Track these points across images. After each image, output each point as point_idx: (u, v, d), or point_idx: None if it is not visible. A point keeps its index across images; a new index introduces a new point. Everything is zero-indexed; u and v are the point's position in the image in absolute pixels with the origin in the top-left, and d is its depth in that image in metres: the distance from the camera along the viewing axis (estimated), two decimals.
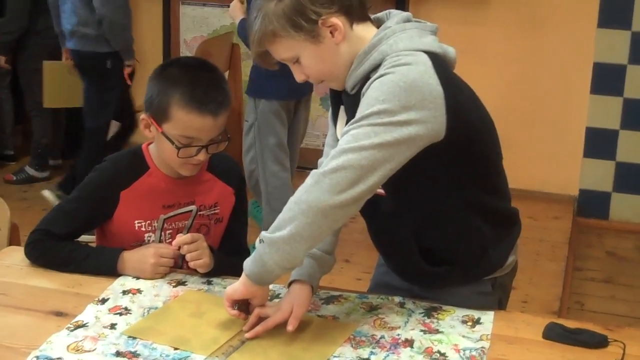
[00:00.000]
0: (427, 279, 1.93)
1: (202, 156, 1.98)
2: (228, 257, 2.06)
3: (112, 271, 2.01)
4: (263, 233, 1.69)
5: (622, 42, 4.65)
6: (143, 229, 2.07)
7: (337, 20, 1.71)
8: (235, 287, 1.75)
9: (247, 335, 1.74)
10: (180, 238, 1.98)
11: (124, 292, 1.94)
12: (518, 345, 1.76)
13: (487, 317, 1.86)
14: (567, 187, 4.96)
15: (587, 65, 4.72)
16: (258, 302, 1.77)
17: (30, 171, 5.25)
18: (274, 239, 1.66)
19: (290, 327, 1.73)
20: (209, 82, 1.99)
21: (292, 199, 1.67)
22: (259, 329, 1.75)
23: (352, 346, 1.73)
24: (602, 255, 4.47)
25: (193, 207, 2.10)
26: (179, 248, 1.98)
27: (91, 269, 2.02)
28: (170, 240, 2.06)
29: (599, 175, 4.88)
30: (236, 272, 1.81)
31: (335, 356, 1.68)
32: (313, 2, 1.70)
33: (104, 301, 1.89)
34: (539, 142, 4.88)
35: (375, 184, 1.66)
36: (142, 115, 2.03)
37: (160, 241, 2.09)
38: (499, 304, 1.97)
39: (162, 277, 2.01)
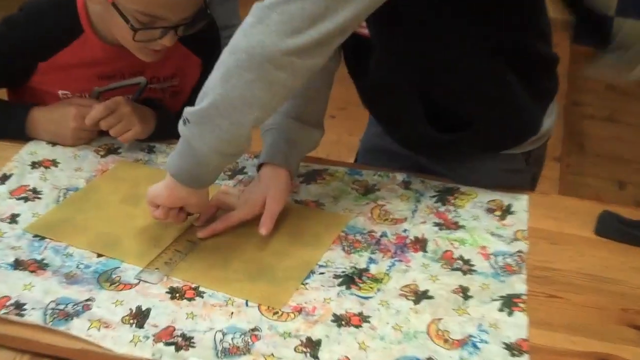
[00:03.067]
0: (438, 150, 1.46)
1: (168, 40, 1.39)
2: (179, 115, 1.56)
3: (19, 134, 1.50)
4: (186, 109, 1.16)
5: None
6: None
7: None
8: (158, 190, 1.23)
9: (199, 234, 1.27)
10: (92, 113, 1.46)
11: (34, 165, 1.43)
12: (564, 246, 1.31)
13: (520, 204, 1.40)
14: (563, 9, 4.42)
15: None
16: (195, 210, 1.27)
17: None
18: (202, 112, 1.13)
19: (263, 231, 1.26)
20: None
21: (225, 49, 1.13)
22: (217, 226, 1.28)
23: (343, 249, 1.26)
24: (601, 88, 4.01)
25: (141, 79, 1.55)
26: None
27: None
28: None
29: None
30: None
31: (321, 266, 1.22)
32: None
33: (4, 178, 1.39)
34: None
35: (348, 21, 1.10)
36: None
37: None
38: (531, 182, 1.52)
39: (86, 143, 1.51)
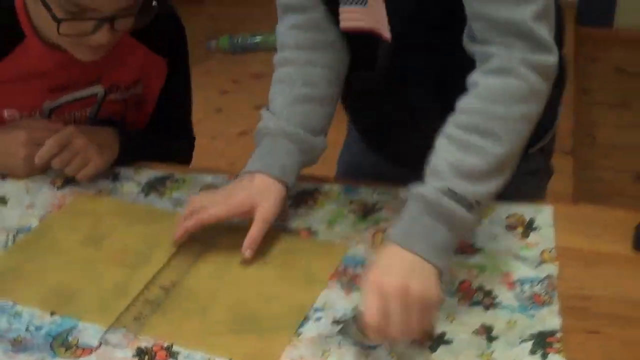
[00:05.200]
0: None
1: (102, 36, 1.15)
2: (147, 133, 1.38)
3: None
4: (448, 182, 0.98)
5: None
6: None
7: None
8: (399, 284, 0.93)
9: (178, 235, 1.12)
10: (41, 151, 1.26)
11: None
12: (600, 267, 1.11)
13: (544, 217, 1.21)
14: None
15: None
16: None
17: None
18: (487, 169, 0.98)
19: (247, 251, 1.09)
20: None
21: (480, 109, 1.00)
22: (188, 223, 1.12)
23: (341, 287, 1.07)
24: (610, 72, 3.81)
25: (98, 89, 1.35)
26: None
27: None
28: None
29: None
30: (161, 154, 1.28)
31: (317, 309, 1.03)
32: None
33: None
34: None
35: None
36: None
37: None
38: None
39: (42, 172, 1.32)
